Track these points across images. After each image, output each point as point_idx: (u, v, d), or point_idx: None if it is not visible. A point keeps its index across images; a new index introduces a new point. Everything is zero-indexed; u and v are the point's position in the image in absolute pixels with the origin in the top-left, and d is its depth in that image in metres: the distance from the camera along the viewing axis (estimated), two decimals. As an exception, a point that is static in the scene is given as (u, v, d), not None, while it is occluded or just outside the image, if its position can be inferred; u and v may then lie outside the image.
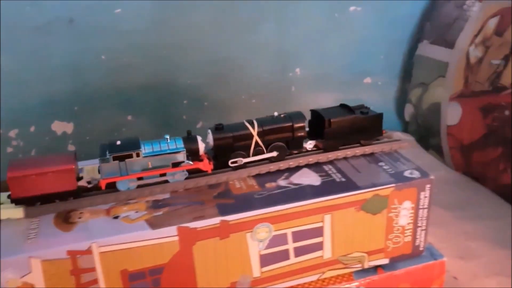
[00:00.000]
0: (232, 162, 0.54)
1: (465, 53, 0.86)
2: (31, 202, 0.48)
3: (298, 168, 0.56)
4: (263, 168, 0.55)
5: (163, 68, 0.93)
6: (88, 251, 0.45)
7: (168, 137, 0.52)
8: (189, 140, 0.52)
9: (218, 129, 0.54)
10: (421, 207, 0.54)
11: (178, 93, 0.96)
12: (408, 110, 1.04)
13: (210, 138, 0.54)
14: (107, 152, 0.50)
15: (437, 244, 0.69)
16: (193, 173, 0.53)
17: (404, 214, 0.53)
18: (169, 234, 0.46)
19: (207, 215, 0.47)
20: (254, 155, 0.55)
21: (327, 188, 0.52)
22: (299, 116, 0.56)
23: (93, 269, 0.45)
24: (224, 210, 0.48)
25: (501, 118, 0.78)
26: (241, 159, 0.54)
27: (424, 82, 0.98)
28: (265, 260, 0.50)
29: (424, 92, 0.97)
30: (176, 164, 0.52)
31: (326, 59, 1.04)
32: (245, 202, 0.49)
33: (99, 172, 0.52)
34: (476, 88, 0.83)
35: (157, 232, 0.46)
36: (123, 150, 0.50)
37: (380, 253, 0.54)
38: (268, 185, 0.53)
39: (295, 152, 0.57)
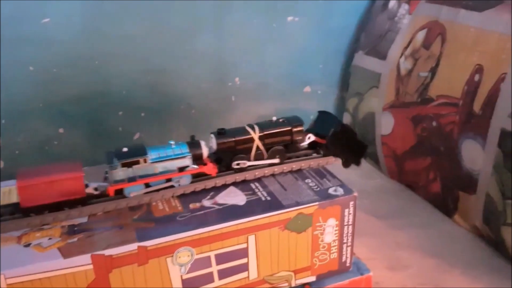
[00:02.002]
0: (236, 164, 0.55)
1: (396, 65, 0.88)
2: (39, 211, 0.48)
3: (225, 186, 0.55)
4: (189, 188, 0.54)
5: (96, 78, 0.91)
6: (-4, 284, 0.42)
7: (173, 142, 0.53)
8: (193, 145, 0.54)
9: (220, 133, 0.55)
10: (345, 223, 0.54)
11: (113, 104, 0.94)
12: (346, 119, 1.05)
13: (213, 142, 0.55)
14: (115, 159, 0.50)
15: (368, 255, 0.70)
16: (198, 177, 0.54)
17: (329, 231, 0.53)
18: (82, 262, 0.44)
19: (123, 242, 0.46)
20: (255, 158, 0.56)
21: (252, 208, 0.51)
22: (297, 120, 0.58)
23: (1, 303, 0.43)
24: (143, 235, 0.47)
25: (429, 129, 0.80)
26: (244, 161, 0.55)
27: (359, 92, 0.99)
28: (188, 284, 0.49)
29: (360, 102, 0.99)
30: (181, 169, 0.53)
31: (265, 68, 1.04)
32: (166, 226, 0.48)
33: (105, 179, 0.52)
34: (406, 99, 0.85)
35: (70, 261, 0.44)
36: (131, 157, 0.50)
37: (307, 271, 0.54)
38: (192, 205, 0.52)
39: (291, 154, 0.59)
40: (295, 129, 0.58)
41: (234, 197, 0.53)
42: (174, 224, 0.48)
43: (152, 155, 0.51)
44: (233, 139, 0.55)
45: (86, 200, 0.50)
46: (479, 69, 0.71)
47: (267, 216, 0.50)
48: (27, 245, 0.45)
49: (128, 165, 0.50)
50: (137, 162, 0.51)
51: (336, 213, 0.53)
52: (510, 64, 0.67)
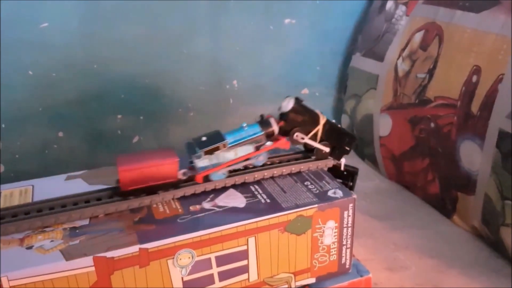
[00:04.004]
0: (295, 135, 0.57)
1: (394, 66, 0.88)
2: (137, 194, 0.51)
3: (224, 189, 0.56)
4: (188, 190, 0.54)
5: (94, 82, 0.91)
6: (-1, 286, 0.43)
7: (245, 124, 0.55)
8: (264, 123, 0.56)
9: (298, 100, 0.57)
10: (345, 225, 0.54)
11: (112, 108, 0.94)
12: (344, 120, 1.06)
13: (289, 104, 0.56)
14: (197, 148, 0.52)
15: (367, 256, 0.70)
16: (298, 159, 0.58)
17: (328, 233, 0.54)
18: (84, 265, 0.44)
19: (125, 244, 0.46)
20: (310, 138, 0.58)
21: (252, 210, 0.51)
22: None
23: (3, 305, 0.43)
24: (144, 238, 0.47)
25: (427, 130, 0.81)
26: (303, 136, 0.57)
27: (357, 94, 1.00)
28: (189, 285, 0.49)
29: (358, 104, 0.99)
30: (258, 148, 0.56)
31: (263, 71, 1.05)
32: (167, 228, 0.48)
33: (190, 168, 0.54)
34: (404, 101, 0.85)
35: (72, 263, 0.44)
36: (211, 144, 0.53)
37: (306, 273, 0.54)
38: (192, 208, 0.52)
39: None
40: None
41: (234, 199, 0.53)
42: (175, 226, 0.49)
43: (229, 139, 0.54)
44: (307, 110, 0.57)
45: (177, 184, 0.53)
46: (476, 70, 0.72)
47: (267, 218, 0.50)
48: (30, 247, 0.46)
49: (210, 152, 0.53)
50: (218, 148, 0.53)
51: (336, 215, 0.53)
52: (507, 65, 0.68)
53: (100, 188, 0.54)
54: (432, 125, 0.79)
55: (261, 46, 1.02)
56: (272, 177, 0.58)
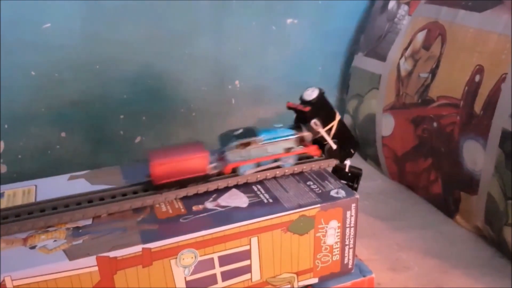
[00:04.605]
0: (314, 123, 0.57)
1: (396, 66, 0.88)
2: (169, 187, 0.52)
3: (227, 188, 0.56)
4: (191, 190, 0.54)
5: (97, 83, 0.91)
6: (2, 285, 0.43)
7: (280, 125, 0.57)
8: (298, 128, 0.57)
9: (321, 93, 0.58)
10: (347, 225, 0.54)
11: (114, 108, 0.94)
12: (346, 120, 1.06)
13: (314, 93, 0.57)
14: (232, 140, 0.54)
15: (370, 256, 0.70)
16: (302, 159, 0.58)
17: (331, 233, 0.54)
18: (87, 264, 0.44)
19: (128, 244, 0.46)
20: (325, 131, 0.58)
21: (254, 210, 0.51)
22: None
23: (7, 305, 0.43)
24: (147, 237, 0.47)
25: (430, 130, 0.80)
26: (318, 126, 0.57)
27: (359, 94, 1.00)
28: (192, 285, 0.49)
29: (360, 104, 0.99)
30: (288, 150, 0.57)
31: (265, 71, 1.04)
32: (170, 228, 0.48)
33: (219, 159, 0.55)
34: (407, 101, 0.85)
35: (75, 263, 0.44)
36: (246, 138, 0.55)
37: (309, 273, 0.54)
38: (195, 208, 0.52)
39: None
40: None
41: (237, 199, 0.53)
42: (178, 226, 0.49)
43: (263, 137, 0.55)
44: (327, 104, 0.58)
45: (207, 177, 0.54)
46: (479, 70, 0.72)
47: (270, 218, 0.50)
48: (33, 247, 0.46)
49: (244, 145, 0.54)
50: (250, 144, 0.55)
51: (338, 215, 0.53)
52: (510, 64, 0.67)
53: (131, 182, 0.54)
54: (435, 124, 0.79)
55: (263, 46, 1.02)
56: (275, 177, 0.58)
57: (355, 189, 0.60)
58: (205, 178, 0.54)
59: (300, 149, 0.58)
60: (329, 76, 1.10)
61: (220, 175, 0.55)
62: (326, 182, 0.56)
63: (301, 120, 0.58)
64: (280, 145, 0.57)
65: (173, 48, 0.95)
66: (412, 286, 0.66)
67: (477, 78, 0.72)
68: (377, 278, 0.60)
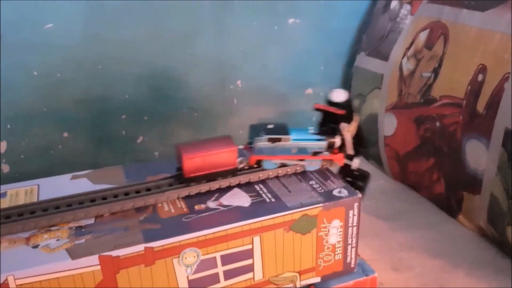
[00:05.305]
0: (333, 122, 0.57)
1: (399, 66, 0.88)
2: (199, 180, 0.53)
3: (229, 188, 0.56)
4: (193, 190, 0.54)
5: (98, 83, 0.91)
6: (5, 284, 0.43)
7: (311, 128, 0.57)
8: (327, 133, 0.57)
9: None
10: (350, 225, 0.54)
11: (116, 108, 0.94)
12: (349, 120, 1.05)
13: (342, 95, 0.56)
14: (262, 133, 0.54)
15: (372, 256, 0.70)
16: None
17: (333, 232, 0.54)
18: (90, 263, 0.44)
19: (130, 243, 0.46)
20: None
21: (256, 209, 0.51)
22: None
23: (10, 304, 0.43)
24: (149, 237, 0.47)
25: (432, 130, 0.80)
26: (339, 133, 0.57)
27: (362, 93, 0.99)
28: (194, 284, 0.49)
29: (362, 103, 0.99)
30: (315, 153, 0.56)
31: (267, 71, 1.04)
32: (172, 227, 0.48)
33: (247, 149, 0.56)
34: (409, 100, 0.85)
35: (78, 262, 0.44)
36: (276, 133, 0.54)
37: (311, 272, 0.54)
38: (197, 207, 0.52)
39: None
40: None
41: (239, 198, 0.53)
42: (180, 225, 0.49)
43: (293, 135, 0.55)
44: (352, 106, 0.58)
45: (236, 171, 0.54)
46: (482, 69, 0.72)
47: (272, 217, 0.50)
48: (36, 246, 0.46)
49: (273, 140, 0.54)
50: (280, 140, 0.54)
51: (341, 215, 0.53)
52: (512, 64, 0.67)
53: (160, 177, 0.55)
54: (437, 124, 0.79)
55: (265, 46, 1.02)
56: (277, 177, 0.58)
57: (362, 189, 0.59)
58: (234, 172, 0.54)
59: (327, 155, 0.57)
60: (331, 76, 1.10)
61: (248, 169, 0.56)
62: (329, 181, 0.56)
63: (329, 122, 0.58)
64: (308, 147, 0.56)
65: (175, 48, 0.95)
66: (414, 285, 0.66)
67: (480, 77, 0.72)
68: (380, 278, 0.60)
